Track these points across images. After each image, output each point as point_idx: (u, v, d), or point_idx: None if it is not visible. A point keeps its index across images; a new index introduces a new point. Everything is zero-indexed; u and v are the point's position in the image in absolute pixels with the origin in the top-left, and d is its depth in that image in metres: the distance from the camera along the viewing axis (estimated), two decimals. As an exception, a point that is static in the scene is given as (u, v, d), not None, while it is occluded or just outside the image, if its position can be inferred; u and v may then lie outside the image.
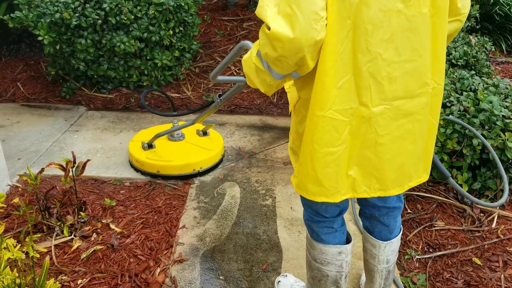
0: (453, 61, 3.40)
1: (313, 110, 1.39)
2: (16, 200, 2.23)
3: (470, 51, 3.44)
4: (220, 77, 2.41)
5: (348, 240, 1.80)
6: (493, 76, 3.17)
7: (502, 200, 2.08)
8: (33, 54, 5.05)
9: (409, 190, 2.79)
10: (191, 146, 3.21)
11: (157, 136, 3.13)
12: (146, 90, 3.36)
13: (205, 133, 3.34)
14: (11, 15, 3.79)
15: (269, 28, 1.26)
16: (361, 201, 1.79)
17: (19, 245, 1.73)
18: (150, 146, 3.17)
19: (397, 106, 1.40)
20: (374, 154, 1.44)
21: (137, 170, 3.13)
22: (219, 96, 2.46)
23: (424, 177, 1.61)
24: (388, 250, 1.79)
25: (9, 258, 1.77)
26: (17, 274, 1.71)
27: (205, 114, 2.72)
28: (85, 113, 4.08)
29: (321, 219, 1.73)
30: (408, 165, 1.51)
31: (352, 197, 1.54)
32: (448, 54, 3.45)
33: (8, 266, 1.74)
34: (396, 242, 1.81)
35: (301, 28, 1.21)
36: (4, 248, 1.81)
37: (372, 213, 1.78)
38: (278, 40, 1.25)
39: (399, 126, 1.43)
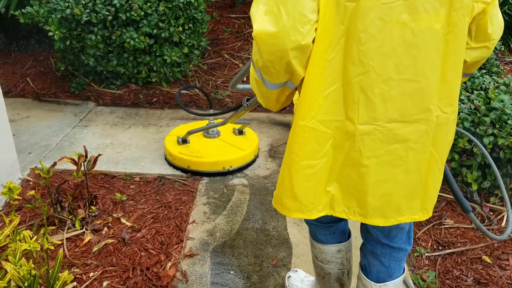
0: (463, 60, 3.40)
1: (296, 119, 1.31)
2: (32, 192, 2.26)
3: (480, 51, 3.44)
4: (240, 86, 2.43)
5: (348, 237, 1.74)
6: (503, 76, 3.17)
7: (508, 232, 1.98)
8: (42, 50, 5.07)
9: (418, 188, 2.80)
10: (224, 144, 3.22)
11: (191, 132, 3.16)
12: (182, 87, 3.40)
13: (241, 132, 3.34)
14: (22, 10, 3.81)
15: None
16: (364, 234, 1.63)
17: (35, 237, 1.75)
18: (184, 141, 3.20)
19: (390, 129, 1.25)
20: (356, 174, 1.32)
21: (170, 164, 3.17)
22: (247, 100, 2.47)
23: (420, 215, 1.41)
24: None
25: (24, 250, 1.80)
26: (32, 265, 1.73)
27: (234, 116, 2.72)
28: (94, 108, 4.10)
29: (318, 223, 1.67)
30: (397, 196, 1.35)
31: (329, 214, 1.42)
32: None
33: (23, 258, 1.76)
34: (391, 286, 1.60)
35: (284, 28, 1.13)
36: (19, 240, 1.84)
37: (374, 249, 1.59)
38: (260, 39, 1.17)
39: (391, 151, 1.28)
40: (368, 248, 1.61)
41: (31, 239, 1.71)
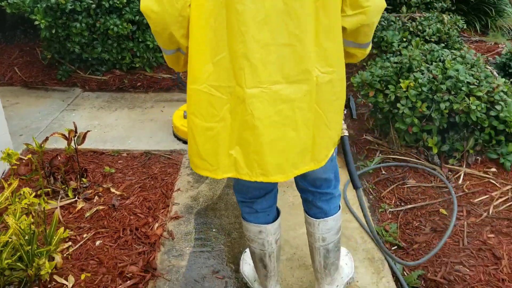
0: (427, 37, 3.64)
1: (188, 83, 1.44)
2: (29, 156, 2.44)
3: (443, 28, 3.68)
4: None
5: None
6: (462, 49, 3.42)
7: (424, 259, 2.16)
8: (28, 40, 5.21)
9: (384, 153, 3.04)
10: None
11: None
12: None
13: None
14: (8, 1, 3.96)
15: None
16: (297, 187, 1.82)
17: (34, 193, 1.94)
18: None
19: (275, 91, 1.37)
20: (252, 137, 1.41)
21: (174, 135, 3.45)
22: None
23: (312, 165, 1.53)
24: (323, 228, 1.79)
25: (23, 209, 1.99)
26: (32, 220, 1.93)
27: None
28: (80, 94, 4.27)
29: (242, 199, 1.79)
30: (292, 153, 1.46)
31: (235, 176, 1.51)
32: (422, 31, 3.70)
33: (23, 215, 1.96)
34: (331, 222, 1.80)
35: (163, 5, 1.31)
36: (18, 201, 2.03)
37: (307, 197, 1.80)
38: (146, 15, 1.35)
39: (279, 111, 1.39)
40: (302, 196, 1.83)
41: (30, 194, 1.90)
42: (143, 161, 3.13)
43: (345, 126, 1.69)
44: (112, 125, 3.66)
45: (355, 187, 1.72)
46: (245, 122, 1.40)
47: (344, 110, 1.66)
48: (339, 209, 1.84)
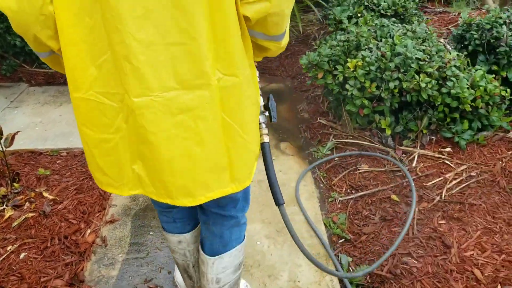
0: (382, 11, 3.45)
1: (70, 91, 1.21)
2: None
3: (399, 1, 3.49)
4: None
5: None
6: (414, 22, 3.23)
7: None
8: (-29, 35, 4.93)
9: (337, 138, 2.88)
10: None
11: None
12: None
13: None
14: None
15: None
16: (198, 206, 1.54)
17: None
18: None
19: (169, 99, 1.12)
20: (150, 152, 1.19)
21: None
22: None
23: (233, 187, 1.29)
24: (218, 267, 1.55)
25: None
26: None
27: None
28: (26, 89, 4.04)
29: (159, 208, 1.62)
30: (200, 172, 1.22)
31: (142, 193, 1.30)
32: (378, 5, 3.51)
33: None
34: (228, 258, 1.54)
35: (21, 2, 1.09)
36: None
37: (206, 220, 1.53)
38: (6, 15, 1.13)
39: (178, 123, 1.15)
40: (202, 218, 1.55)
41: None
42: (83, 159, 2.94)
43: (266, 131, 1.42)
44: (56, 121, 3.45)
45: (277, 203, 1.44)
46: (139, 134, 1.17)
47: (264, 112, 1.42)
48: (242, 241, 1.58)
